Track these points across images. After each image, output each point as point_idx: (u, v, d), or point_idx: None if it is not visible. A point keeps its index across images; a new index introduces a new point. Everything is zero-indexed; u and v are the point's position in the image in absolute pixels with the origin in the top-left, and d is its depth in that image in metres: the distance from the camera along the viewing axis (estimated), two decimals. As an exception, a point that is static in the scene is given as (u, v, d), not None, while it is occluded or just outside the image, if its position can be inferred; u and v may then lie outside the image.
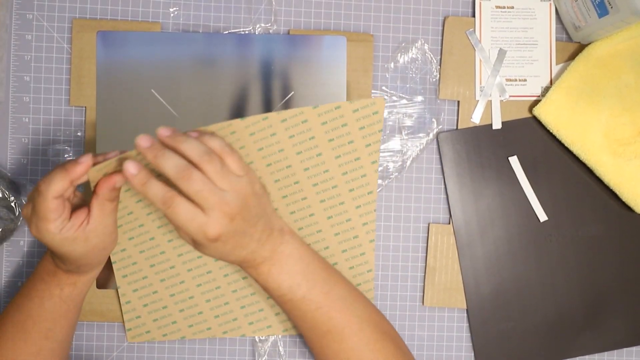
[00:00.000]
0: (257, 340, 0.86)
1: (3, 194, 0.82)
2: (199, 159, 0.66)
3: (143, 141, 0.66)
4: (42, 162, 0.85)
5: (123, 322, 0.84)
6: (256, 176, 0.70)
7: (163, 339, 0.84)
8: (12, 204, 0.82)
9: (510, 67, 0.87)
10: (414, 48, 0.87)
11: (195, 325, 0.83)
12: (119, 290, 0.81)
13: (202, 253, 0.71)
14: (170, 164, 0.65)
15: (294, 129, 0.74)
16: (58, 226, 0.68)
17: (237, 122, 0.71)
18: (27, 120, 0.85)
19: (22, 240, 0.85)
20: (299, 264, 0.73)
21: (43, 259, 0.76)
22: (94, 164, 0.69)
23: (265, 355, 0.86)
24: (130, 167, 0.66)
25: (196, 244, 0.69)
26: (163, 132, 0.67)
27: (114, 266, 0.79)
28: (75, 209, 0.71)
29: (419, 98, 0.87)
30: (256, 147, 0.74)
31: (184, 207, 0.66)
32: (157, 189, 0.66)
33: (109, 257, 0.81)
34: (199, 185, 0.65)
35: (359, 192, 0.79)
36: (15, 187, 0.83)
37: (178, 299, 0.82)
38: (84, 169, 0.68)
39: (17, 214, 0.82)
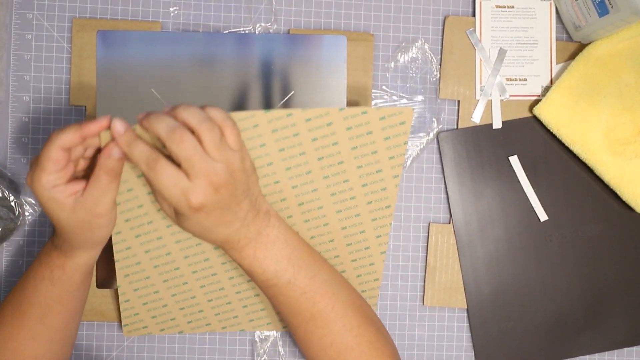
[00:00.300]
0: (256, 340, 0.86)
1: (3, 194, 0.82)
2: (198, 125, 0.64)
3: (141, 114, 0.66)
4: (42, 162, 0.85)
5: (120, 317, 0.84)
6: (248, 153, 0.69)
7: (160, 333, 0.84)
8: (12, 204, 0.82)
9: (511, 66, 0.87)
10: (414, 47, 0.87)
11: (195, 322, 0.83)
12: (118, 289, 0.80)
13: (183, 228, 0.69)
14: (163, 124, 0.64)
15: (317, 131, 0.71)
16: (51, 181, 0.66)
17: (261, 115, 0.69)
18: (27, 119, 0.85)
19: (22, 240, 0.85)
20: (285, 248, 0.72)
21: (47, 242, 0.75)
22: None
23: (265, 355, 0.86)
24: (118, 126, 0.65)
25: (178, 215, 0.68)
26: (165, 108, 0.67)
27: (117, 265, 0.78)
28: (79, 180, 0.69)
29: (419, 97, 0.87)
30: (278, 147, 0.71)
31: (168, 170, 0.64)
32: (142, 149, 0.65)
33: (109, 261, 0.81)
34: (191, 150, 0.63)
35: (377, 205, 0.77)
36: (15, 186, 0.83)
37: (179, 298, 0.81)
38: (96, 127, 0.66)
39: (17, 213, 0.82)
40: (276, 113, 0.70)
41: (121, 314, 0.82)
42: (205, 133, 0.64)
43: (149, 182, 0.66)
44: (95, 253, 0.73)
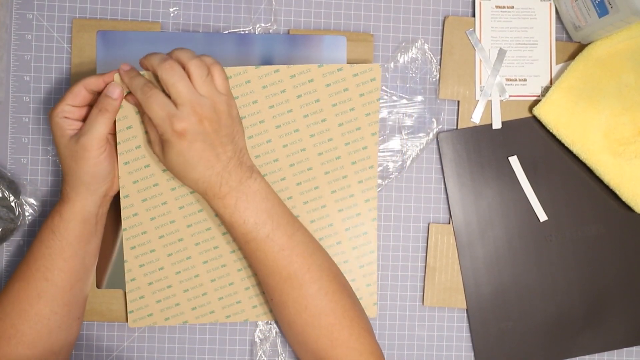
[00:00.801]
0: (256, 340, 0.86)
1: (3, 194, 0.82)
2: (188, 61, 0.72)
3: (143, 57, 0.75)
4: (42, 162, 0.85)
5: (125, 304, 0.84)
6: (235, 104, 0.75)
7: (165, 324, 0.84)
8: (12, 204, 0.82)
9: (510, 66, 0.87)
10: (414, 48, 0.87)
11: (199, 308, 0.83)
12: (125, 264, 0.81)
13: (168, 163, 0.74)
14: (157, 57, 0.73)
15: (302, 87, 0.78)
16: (65, 111, 0.75)
17: (252, 70, 0.78)
18: (27, 120, 0.85)
19: (21, 240, 0.85)
20: (265, 202, 0.75)
21: None
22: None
23: (265, 355, 0.86)
24: (124, 65, 0.75)
25: (164, 145, 0.73)
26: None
27: (124, 234, 0.80)
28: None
29: (419, 98, 0.87)
30: (268, 104, 0.78)
31: (159, 96, 0.72)
32: (140, 80, 0.74)
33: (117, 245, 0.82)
34: (177, 77, 0.71)
35: (361, 165, 0.81)
36: (15, 187, 0.83)
37: (183, 277, 0.82)
38: (114, 72, 0.76)
39: (17, 213, 0.83)
40: (265, 69, 0.78)
41: (127, 296, 0.83)
42: (193, 68, 0.72)
43: (142, 108, 0.73)
44: (89, 200, 0.77)
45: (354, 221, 0.82)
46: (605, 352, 0.89)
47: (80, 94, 0.75)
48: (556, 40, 0.88)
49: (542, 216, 0.87)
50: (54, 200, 0.85)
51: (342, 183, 0.81)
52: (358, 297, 0.84)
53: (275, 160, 0.79)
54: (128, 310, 0.83)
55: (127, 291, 0.82)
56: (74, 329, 0.79)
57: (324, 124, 0.79)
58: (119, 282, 0.84)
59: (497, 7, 0.86)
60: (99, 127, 0.74)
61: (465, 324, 0.88)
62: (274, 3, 0.86)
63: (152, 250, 0.80)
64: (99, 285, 0.85)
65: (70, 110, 0.75)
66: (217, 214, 0.76)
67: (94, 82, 0.76)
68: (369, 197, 0.82)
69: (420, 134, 0.87)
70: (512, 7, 0.86)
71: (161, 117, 0.71)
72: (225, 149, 0.73)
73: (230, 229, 0.76)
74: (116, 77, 0.76)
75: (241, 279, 0.82)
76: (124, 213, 0.79)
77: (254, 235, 0.75)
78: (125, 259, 0.81)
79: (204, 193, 0.74)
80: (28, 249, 0.78)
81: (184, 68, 0.72)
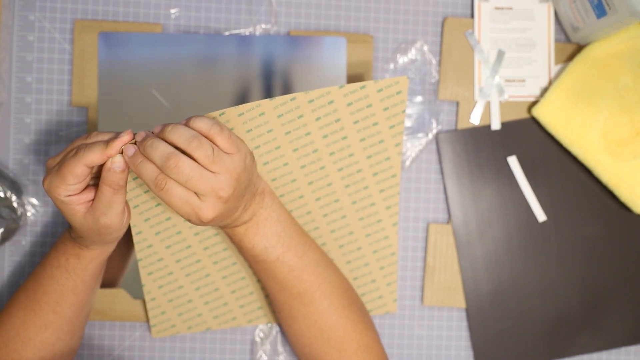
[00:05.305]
0: (256, 339, 0.87)
1: (5, 194, 0.82)
2: (187, 145, 0.65)
3: (138, 137, 0.67)
4: (44, 163, 0.85)
5: (147, 318, 0.84)
6: (247, 148, 0.69)
7: (188, 332, 0.84)
8: (14, 204, 0.83)
9: (509, 67, 0.87)
10: (413, 49, 0.87)
11: (221, 316, 0.84)
12: (143, 288, 0.81)
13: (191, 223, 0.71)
14: (156, 154, 0.65)
15: (320, 110, 0.73)
16: (68, 190, 0.67)
17: (266, 103, 0.70)
18: (29, 120, 0.85)
19: (24, 240, 0.86)
20: (275, 226, 0.73)
21: (64, 231, 0.77)
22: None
23: (265, 355, 0.87)
24: (128, 150, 0.67)
25: (189, 221, 0.69)
26: (155, 128, 0.68)
27: (140, 263, 0.79)
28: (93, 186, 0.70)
29: (419, 98, 0.87)
30: (284, 131, 0.73)
31: (177, 190, 0.66)
32: (149, 170, 0.66)
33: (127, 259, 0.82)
34: (188, 173, 0.64)
35: (383, 175, 0.79)
36: (17, 187, 0.84)
37: (203, 292, 0.82)
38: (120, 145, 0.67)
39: (19, 213, 0.83)
40: (280, 99, 0.71)
41: (148, 313, 0.83)
42: (195, 152, 0.65)
43: (160, 200, 0.67)
44: (110, 247, 0.76)
45: (374, 227, 0.82)
46: (604, 352, 0.89)
47: (82, 173, 0.67)
48: (555, 41, 0.88)
49: (541, 216, 0.87)
50: (55, 201, 0.85)
51: (364, 193, 0.79)
52: (378, 295, 0.85)
53: (293, 181, 0.77)
54: (151, 324, 0.84)
55: (148, 308, 0.83)
56: (75, 347, 0.80)
57: (344, 142, 0.76)
58: (128, 285, 0.85)
59: (496, 8, 0.87)
60: (116, 206, 0.69)
61: (465, 324, 0.88)
62: (274, 4, 0.86)
63: (170, 273, 0.80)
64: (112, 285, 0.85)
65: (71, 188, 0.68)
66: (227, 236, 0.75)
67: (96, 160, 0.67)
68: (390, 204, 0.81)
69: (420, 135, 0.87)
70: (511, 9, 0.87)
71: (186, 211, 0.66)
72: (244, 199, 0.70)
73: (240, 250, 0.75)
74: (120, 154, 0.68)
75: (261, 288, 0.83)
76: (137, 247, 0.78)
77: (264, 258, 0.74)
78: (142, 283, 0.81)
79: (217, 227, 0.73)
80: (35, 277, 0.77)
81: (184, 152, 0.66)
